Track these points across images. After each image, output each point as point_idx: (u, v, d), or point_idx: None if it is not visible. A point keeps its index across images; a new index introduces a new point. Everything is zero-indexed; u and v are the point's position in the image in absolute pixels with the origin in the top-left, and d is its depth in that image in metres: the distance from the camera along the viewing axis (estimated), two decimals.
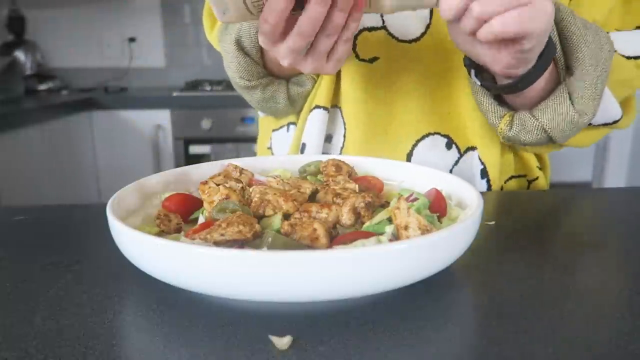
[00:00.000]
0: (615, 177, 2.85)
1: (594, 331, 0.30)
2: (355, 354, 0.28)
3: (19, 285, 0.37)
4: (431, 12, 0.62)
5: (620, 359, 0.27)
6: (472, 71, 0.56)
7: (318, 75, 0.65)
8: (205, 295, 0.32)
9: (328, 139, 0.68)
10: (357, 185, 0.44)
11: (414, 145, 0.64)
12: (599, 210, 0.57)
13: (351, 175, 0.49)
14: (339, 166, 0.49)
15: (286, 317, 0.31)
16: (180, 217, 0.41)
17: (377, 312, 0.32)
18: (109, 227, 0.35)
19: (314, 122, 0.66)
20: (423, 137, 0.64)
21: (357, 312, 0.32)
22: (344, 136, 0.66)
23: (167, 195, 0.44)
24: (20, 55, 2.33)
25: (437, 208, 0.40)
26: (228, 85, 2.24)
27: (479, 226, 0.36)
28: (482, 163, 0.64)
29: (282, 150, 0.73)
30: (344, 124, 0.66)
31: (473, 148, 0.64)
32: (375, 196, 0.41)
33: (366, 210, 0.38)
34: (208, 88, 2.20)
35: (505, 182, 0.68)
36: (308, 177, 0.50)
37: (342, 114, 0.66)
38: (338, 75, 0.66)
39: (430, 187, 0.45)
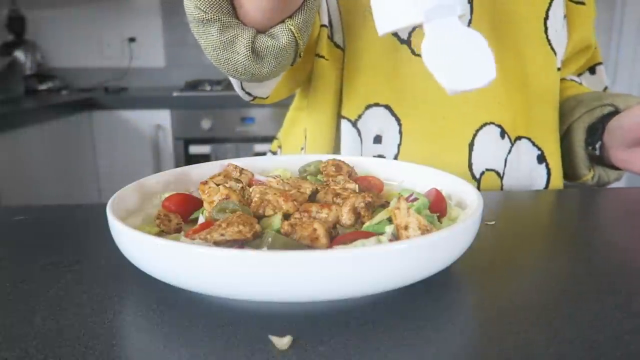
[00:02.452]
0: None
1: (594, 331, 0.30)
2: (355, 354, 0.28)
3: (19, 285, 0.37)
4: (471, 3, 0.64)
5: (620, 359, 0.27)
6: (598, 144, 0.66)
7: (300, 32, 0.52)
8: (205, 295, 0.32)
9: (377, 140, 0.67)
10: (357, 185, 0.44)
11: (474, 135, 0.65)
12: (599, 210, 0.57)
13: (351, 175, 0.49)
14: (339, 166, 0.49)
15: (286, 317, 0.31)
16: (180, 217, 0.41)
17: (377, 312, 0.32)
18: (109, 227, 0.35)
19: (371, 120, 0.66)
20: (481, 127, 0.65)
21: (357, 312, 0.32)
22: (400, 132, 0.66)
23: (167, 195, 0.44)
24: (20, 55, 2.33)
25: (437, 208, 0.40)
26: (228, 85, 2.24)
27: (479, 226, 0.36)
28: (539, 149, 0.67)
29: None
30: (398, 120, 0.66)
31: (520, 138, 0.67)
32: (375, 196, 0.41)
33: (366, 210, 0.38)
34: (208, 88, 2.20)
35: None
36: (308, 177, 0.50)
37: (392, 111, 0.66)
38: (386, 72, 0.66)
39: (430, 187, 0.45)
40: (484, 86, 0.35)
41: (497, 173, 0.66)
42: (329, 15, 0.67)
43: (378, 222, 0.37)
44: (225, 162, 0.50)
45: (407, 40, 0.65)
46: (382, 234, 0.35)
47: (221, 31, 0.50)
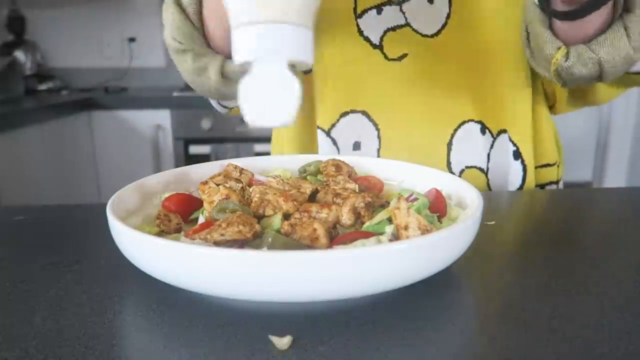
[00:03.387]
0: (615, 177, 2.85)
1: (594, 331, 0.30)
2: (355, 354, 0.28)
3: (19, 285, 0.37)
4: (449, 1, 0.64)
5: (620, 359, 0.27)
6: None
7: None
8: (205, 295, 0.32)
9: (356, 146, 0.68)
10: (357, 185, 0.44)
11: (452, 135, 0.65)
12: (599, 210, 0.57)
13: (351, 175, 0.49)
14: (339, 166, 0.49)
15: (286, 317, 0.31)
16: (180, 217, 0.41)
17: (377, 312, 0.32)
18: (109, 227, 0.35)
19: (347, 127, 0.67)
20: (459, 126, 0.66)
21: (357, 312, 0.32)
22: (379, 137, 0.66)
23: (167, 195, 0.44)
24: (20, 55, 2.33)
25: (437, 208, 0.40)
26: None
27: (479, 226, 0.36)
28: (515, 144, 0.66)
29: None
30: (376, 125, 0.66)
31: (504, 131, 0.66)
32: (375, 196, 0.41)
33: (366, 210, 0.38)
34: None
35: (541, 167, 0.70)
36: (308, 177, 0.50)
37: (369, 117, 0.66)
38: (360, 78, 0.66)
39: (430, 187, 0.45)
40: (278, 126, 0.39)
41: (481, 169, 0.66)
42: None
43: (378, 222, 0.37)
44: (225, 162, 0.50)
45: (379, 45, 0.65)
46: (382, 234, 0.35)
47: (194, 59, 0.55)
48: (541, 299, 0.34)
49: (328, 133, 0.68)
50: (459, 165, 0.66)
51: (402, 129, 0.66)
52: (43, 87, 2.33)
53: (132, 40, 2.50)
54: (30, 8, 2.42)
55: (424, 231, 0.34)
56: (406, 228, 0.34)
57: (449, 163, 0.66)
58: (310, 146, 0.71)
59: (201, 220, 0.40)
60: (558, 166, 0.72)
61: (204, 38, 0.56)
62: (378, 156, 0.67)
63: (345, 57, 0.66)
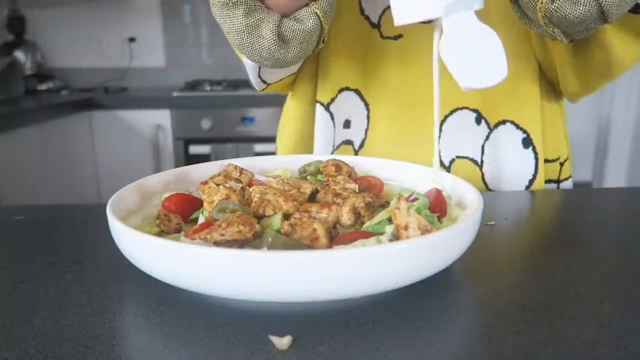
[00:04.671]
0: (615, 177, 2.85)
1: (594, 331, 0.30)
2: (355, 354, 0.28)
3: (19, 285, 0.37)
4: None
5: (620, 359, 0.27)
6: None
7: (325, 15, 0.53)
8: (205, 295, 0.32)
9: (346, 124, 0.67)
10: (357, 185, 0.44)
11: (443, 121, 0.63)
12: (599, 210, 0.57)
13: (351, 175, 0.49)
14: (339, 166, 0.49)
15: (286, 317, 0.31)
16: (180, 217, 0.41)
17: (377, 312, 0.32)
18: (109, 227, 0.35)
19: (343, 103, 0.66)
20: (451, 112, 0.63)
21: (357, 312, 0.32)
22: (368, 117, 0.65)
23: (167, 195, 0.44)
24: (20, 55, 2.33)
25: (437, 208, 0.40)
26: (228, 85, 2.24)
27: (479, 226, 0.36)
28: (524, 131, 0.62)
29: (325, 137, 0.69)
30: (366, 105, 0.65)
31: (503, 122, 0.63)
32: (375, 196, 0.41)
33: (366, 210, 0.38)
34: (208, 88, 2.20)
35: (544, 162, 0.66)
36: (308, 177, 0.50)
37: (361, 96, 0.65)
38: (356, 56, 0.65)
39: (430, 187, 0.45)
40: (497, 84, 0.35)
41: (474, 161, 0.64)
42: None
43: (378, 222, 0.37)
44: (225, 162, 0.50)
45: (377, 24, 0.64)
46: (382, 234, 0.35)
47: (246, 15, 0.49)
48: (541, 298, 0.34)
49: (327, 107, 0.67)
50: (448, 153, 0.64)
51: (391, 111, 0.64)
52: (43, 87, 2.33)
53: (132, 40, 2.50)
54: (30, 8, 2.42)
55: (424, 231, 0.34)
56: (406, 228, 0.34)
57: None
58: (309, 122, 0.70)
59: (201, 220, 0.40)
60: (562, 164, 0.69)
61: None
62: (365, 137, 0.66)
63: (345, 35, 0.65)
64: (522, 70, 0.62)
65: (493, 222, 0.48)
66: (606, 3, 0.45)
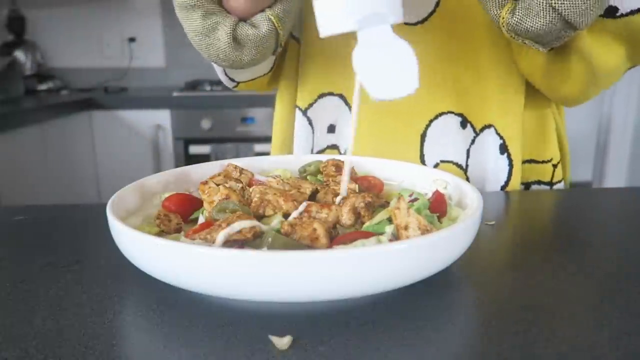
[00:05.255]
0: (615, 177, 2.85)
1: (594, 331, 0.30)
2: (355, 354, 0.28)
3: (19, 285, 0.37)
4: None
5: (620, 359, 0.27)
6: None
7: (280, 21, 0.53)
8: (205, 295, 0.32)
9: (331, 129, 0.68)
10: (357, 185, 0.44)
11: (427, 126, 0.63)
12: (599, 210, 0.57)
13: (351, 175, 0.49)
14: (339, 166, 0.49)
15: (286, 317, 0.31)
16: (180, 217, 0.41)
17: (377, 312, 0.32)
18: (109, 227, 0.35)
19: (324, 109, 0.67)
20: (436, 117, 0.63)
21: (357, 312, 0.32)
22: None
23: (167, 195, 0.44)
24: (20, 55, 2.33)
25: (437, 208, 0.40)
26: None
27: (479, 226, 0.36)
28: (501, 137, 0.63)
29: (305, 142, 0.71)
30: (351, 109, 0.66)
31: (489, 126, 0.63)
32: (375, 196, 0.41)
33: (366, 210, 0.38)
34: (208, 88, 2.20)
35: (524, 163, 0.66)
36: (308, 177, 0.50)
37: (346, 101, 0.66)
38: (339, 61, 0.65)
39: (429, 186, 0.45)
40: (407, 95, 0.36)
41: (458, 165, 0.64)
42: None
43: (378, 222, 0.37)
44: (225, 162, 0.50)
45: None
46: (382, 234, 0.35)
47: (204, 17, 0.51)
48: (541, 299, 0.34)
49: (305, 112, 0.68)
50: (433, 158, 0.64)
51: (375, 116, 0.64)
52: (43, 87, 2.34)
53: (132, 40, 2.50)
54: (30, 8, 2.42)
55: (424, 231, 0.34)
56: (406, 228, 0.34)
57: (422, 155, 0.64)
58: (289, 127, 0.71)
59: (201, 220, 0.40)
60: (555, 166, 0.69)
61: None
62: (351, 142, 0.66)
63: (326, 40, 0.65)
64: (506, 77, 0.62)
65: (493, 222, 0.48)
66: (567, 13, 0.45)
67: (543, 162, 0.67)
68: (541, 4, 0.45)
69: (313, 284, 0.29)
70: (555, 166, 0.68)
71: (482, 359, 0.27)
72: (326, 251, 0.30)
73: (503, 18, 0.49)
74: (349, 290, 0.30)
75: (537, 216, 0.55)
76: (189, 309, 0.33)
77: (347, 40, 0.66)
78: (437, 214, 0.40)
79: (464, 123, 0.63)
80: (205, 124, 2.04)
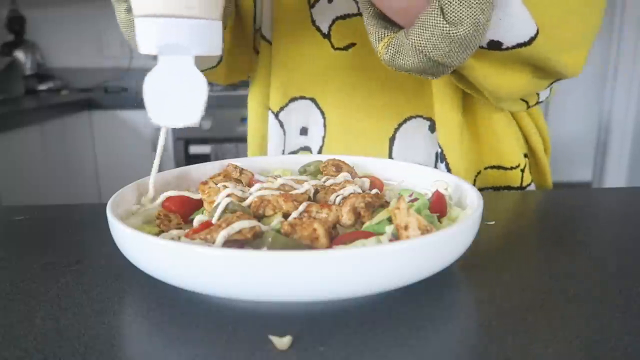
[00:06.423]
0: (615, 177, 2.85)
1: (594, 331, 0.30)
2: (355, 354, 0.28)
3: (19, 285, 0.37)
4: None
5: (620, 359, 0.27)
6: None
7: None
8: (205, 295, 0.32)
9: (303, 131, 0.69)
10: (357, 186, 0.44)
11: (396, 129, 0.64)
12: (599, 210, 0.57)
13: (351, 175, 0.49)
14: (339, 166, 0.49)
15: (286, 317, 0.31)
16: (180, 217, 0.41)
17: (377, 312, 0.32)
18: (109, 227, 0.35)
19: (295, 112, 0.68)
20: (405, 120, 0.64)
21: (357, 312, 0.32)
22: (324, 125, 0.67)
23: (167, 195, 0.44)
24: (20, 55, 2.33)
25: (437, 208, 0.40)
26: (228, 85, 2.24)
27: (479, 226, 0.36)
28: (440, 146, 0.61)
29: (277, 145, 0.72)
30: (322, 113, 0.67)
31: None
32: (375, 196, 0.41)
33: (366, 210, 0.38)
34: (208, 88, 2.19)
35: (479, 173, 0.65)
36: (308, 177, 0.50)
37: (317, 104, 0.67)
38: (309, 66, 0.66)
39: (430, 186, 0.45)
40: (185, 126, 0.38)
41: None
42: (261, 10, 0.69)
43: (378, 222, 0.37)
44: (225, 162, 0.50)
45: (327, 34, 0.65)
46: (382, 234, 0.35)
47: (128, 12, 0.55)
48: (541, 298, 0.34)
49: (276, 115, 0.69)
50: (401, 160, 0.63)
51: (346, 119, 0.65)
52: (43, 87, 2.34)
53: None
54: (30, 8, 2.42)
55: (424, 231, 0.34)
56: (406, 228, 0.34)
57: (390, 158, 0.65)
58: (261, 130, 0.73)
59: (201, 220, 0.40)
60: (523, 171, 0.67)
61: None
62: (323, 144, 0.67)
63: (297, 45, 0.67)
64: (442, 94, 0.61)
65: (493, 222, 0.48)
66: (432, 55, 0.45)
67: (511, 168, 0.66)
68: (406, 44, 0.46)
69: (313, 284, 0.29)
70: (522, 171, 0.67)
71: (482, 359, 0.27)
72: (326, 251, 0.30)
73: (380, 53, 0.49)
74: (349, 290, 0.30)
75: (537, 216, 0.55)
76: (189, 309, 0.33)
77: (318, 45, 0.66)
78: (437, 214, 0.40)
79: (433, 127, 0.64)
80: (205, 124, 2.04)
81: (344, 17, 0.63)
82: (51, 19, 2.47)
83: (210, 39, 0.37)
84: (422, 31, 0.44)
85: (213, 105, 2.04)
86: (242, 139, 2.06)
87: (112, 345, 0.29)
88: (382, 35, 0.48)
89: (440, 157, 0.62)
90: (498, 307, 0.33)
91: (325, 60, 0.65)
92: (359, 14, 0.62)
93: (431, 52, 0.45)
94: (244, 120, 2.05)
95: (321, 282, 0.29)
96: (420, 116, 0.64)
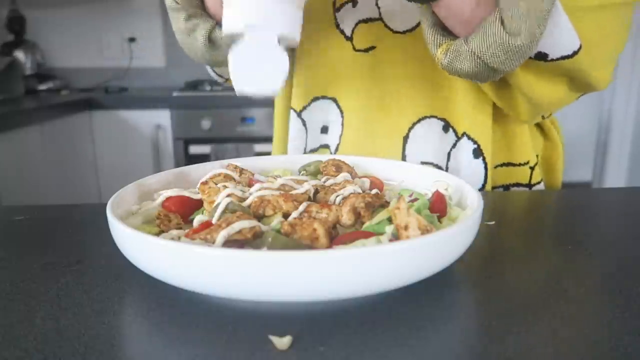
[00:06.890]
0: (615, 177, 2.85)
1: (594, 331, 0.30)
2: (355, 354, 0.28)
3: (19, 285, 0.37)
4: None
5: (620, 359, 0.27)
6: None
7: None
8: (205, 295, 0.32)
9: (324, 130, 0.71)
10: (357, 186, 0.44)
11: (410, 128, 0.66)
12: (599, 210, 0.57)
13: (351, 175, 0.49)
14: (339, 166, 0.49)
15: (286, 317, 0.31)
16: (180, 217, 0.41)
17: (377, 312, 0.32)
18: (109, 227, 0.35)
19: (317, 111, 0.71)
20: (419, 120, 0.66)
21: (357, 312, 0.32)
22: (342, 124, 0.69)
23: (167, 195, 0.44)
24: (20, 55, 2.33)
25: (437, 208, 0.40)
26: (228, 86, 2.24)
27: (479, 226, 0.36)
28: (475, 142, 0.65)
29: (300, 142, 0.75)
30: (341, 113, 0.69)
31: (464, 134, 0.66)
32: (375, 196, 0.41)
33: (366, 210, 0.38)
34: (208, 88, 2.20)
35: (501, 167, 0.68)
36: (308, 177, 0.50)
37: (337, 104, 0.70)
38: (332, 67, 0.69)
39: (430, 186, 0.45)
40: (266, 95, 0.42)
41: (438, 167, 0.66)
42: None
43: (378, 222, 0.37)
44: (225, 162, 0.50)
45: (350, 37, 0.67)
46: (382, 234, 0.35)
47: (186, 20, 0.58)
48: (541, 298, 0.34)
49: (299, 114, 0.72)
50: (414, 159, 0.67)
51: (362, 118, 0.68)
52: (43, 87, 2.34)
53: (132, 40, 2.50)
54: (30, 8, 2.42)
55: (424, 231, 0.34)
56: (406, 228, 0.34)
57: (403, 156, 0.67)
58: (284, 128, 0.76)
59: (201, 220, 0.40)
60: (532, 168, 0.69)
61: (201, 0, 0.58)
62: (340, 142, 0.70)
63: (321, 46, 0.69)
64: (477, 88, 0.64)
65: (493, 222, 0.48)
66: (490, 61, 0.49)
67: (520, 164, 0.69)
68: (465, 50, 0.50)
69: (313, 284, 0.29)
70: (532, 168, 0.69)
71: (482, 359, 0.27)
72: (326, 251, 0.30)
73: (438, 58, 0.53)
74: (349, 290, 0.30)
75: (537, 216, 0.55)
76: (189, 309, 0.33)
77: (340, 47, 0.68)
78: (437, 214, 0.40)
79: (447, 127, 0.66)
80: (205, 124, 2.04)
81: (366, 20, 0.66)
82: (51, 19, 2.47)
83: (294, 22, 0.41)
84: (483, 38, 0.48)
85: (213, 105, 2.05)
86: (242, 139, 2.07)
87: (112, 345, 0.29)
88: (441, 42, 0.52)
89: (476, 153, 0.65)
90: (498, 307, 0.33)
91: (346, 61, 0.68)
92: (380, 19, 0.65)
93: (489, 58, 0.49)
94: (244, 120, 2.06)
95: (321, 282, 0.29)
96: (435, 116, 0.66)
